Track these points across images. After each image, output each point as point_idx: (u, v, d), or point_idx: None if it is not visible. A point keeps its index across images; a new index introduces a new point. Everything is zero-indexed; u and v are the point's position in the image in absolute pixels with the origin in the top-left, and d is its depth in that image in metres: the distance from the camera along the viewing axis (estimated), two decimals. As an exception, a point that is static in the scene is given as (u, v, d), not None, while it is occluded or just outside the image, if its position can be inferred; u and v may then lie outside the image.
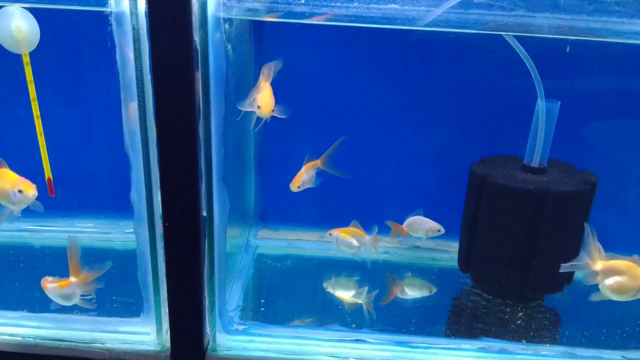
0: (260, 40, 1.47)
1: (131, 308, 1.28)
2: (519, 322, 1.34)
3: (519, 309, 1.38)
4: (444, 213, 1.53)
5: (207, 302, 1.17)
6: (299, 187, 1.34)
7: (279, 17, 1.11)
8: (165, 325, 1.20)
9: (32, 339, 1.24)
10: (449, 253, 1.58)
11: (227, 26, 1.04)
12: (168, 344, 1.20)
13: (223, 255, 1.15)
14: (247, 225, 1.64)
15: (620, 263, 1.09)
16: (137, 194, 1.09)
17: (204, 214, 1.09)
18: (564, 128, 1.36)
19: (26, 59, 1.04)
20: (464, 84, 1.46)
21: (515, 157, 1.41)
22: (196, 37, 0.94)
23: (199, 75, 0.98)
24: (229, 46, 1.01)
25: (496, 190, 1.31)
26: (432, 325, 1.34)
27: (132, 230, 1.64)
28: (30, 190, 1.05)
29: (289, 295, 1.43)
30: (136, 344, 1.22)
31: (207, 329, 1.19)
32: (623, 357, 1.22)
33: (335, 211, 1.59)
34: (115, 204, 1.62)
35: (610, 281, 1.10)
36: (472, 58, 1.42)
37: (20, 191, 1.05)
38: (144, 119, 1.03)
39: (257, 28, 1.47)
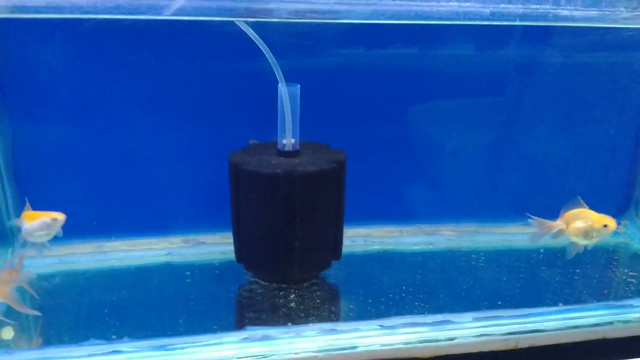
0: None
1: None
2: (291, 304, 1.36)
3: (292, 291, 1.40)
4: (222, 205, 1.54)
5: None
6: None
7: None
8: None
9: None
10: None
11: None
12: None
13: None
14: (7, 245, 1.50)
15: (575, 211, 1.30)
16: None
17: None
18: (317, 108, 1.41)
19: None
20: (208, 75, 1.45)
21: (275, 142, 1.43)
22: None
23: None
24: None
25: (249, 177, 1.31)
26: (203, 323, 1.30)
27: None
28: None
29: (49, 314, 1.32)
30: None
31: None
32: (380, 325, 1.27)
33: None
34: None
35: (579, 224, 1.28)
36: (210, 49, 1.41)
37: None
38: None
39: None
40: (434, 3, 1.05)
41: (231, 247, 1.55)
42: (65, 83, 1.44)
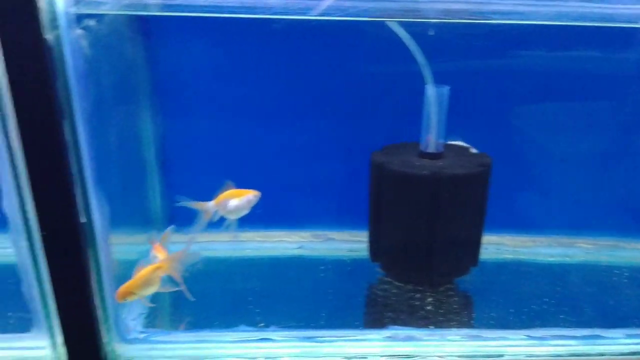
0: (149, 36, 1.44)
1: (21, 323, 1.23)
2: (428, 307, 1.35)
3: (429, 294, 1.39)
4: (352, 204, 1.56)
5: (100, 312, 1.13)
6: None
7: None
8: (60, 338, 1.14)
9: None
10: (363, 243, 1.58)
11: (92, 23, 1.01)
12: (64, 357, 1.15)
13: (110, 262, 1.11)
14: (152, 230, 1.59)
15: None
16: (10, 203, 1.04)
17: (83, 220, 1.05)
18: (461, 110, 1.39)
19: None
20: (353, 75, 1.47)
21: (416, 143, 1.43)
22: (49, 35, 0.90)
23: (56, 75, 0.93)
24: (86, 43, 0.97)
25: (394, 177, 1.32)
26: (342, 318, 1.33)
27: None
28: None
29: (197, 299, 1.40)
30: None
31: (104, 339, 1.15)
32: (527, 335, 1.23)
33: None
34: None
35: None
36: (359, 47, 1.42)
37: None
38: (4, 123, 0.98)
39: (144, 23, 1.43)
40: (619, 5, 1.00)
41: (359, 245, 1.58)
42: (215, 81, 1.51)
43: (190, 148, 1.58)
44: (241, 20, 1.30)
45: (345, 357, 1.18)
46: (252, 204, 1.23)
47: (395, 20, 1.25)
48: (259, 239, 1.63)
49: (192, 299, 1.17)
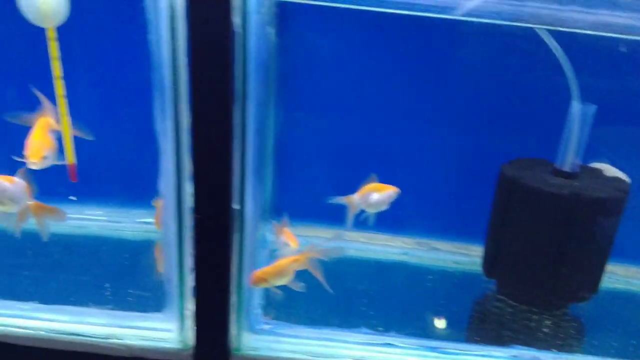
0: (285, 25, 1.43)
1: (148, 302, 1.24)
2: (545, 330, 1.32)
3: (545, 316, 1.36)
4: (460, 215, 1.53)
5: (234, 299, 1.13)
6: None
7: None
8: (189, 322, 1.14)
9: (44, 332, 1.18)
10: (469, 256, 1.56)
11: (270, 8, 1.00)
12: (191, 341, 1.15)
13: (252, 250, 1.11)
14: (263, 220, 1.60)
15: None
16: (166, 183, 1.04)
17: (236, 207, 1.05)
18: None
19: (51, 34, 0.98)
20: (490, 81, 1.43)
21: (543, 160, 1.39)
22: (236, 19, 0.90)
23: (236, 59, 0.93)
24: (271, 29, 0.96)
25: (528, 193, 1.29)
26: (459, 330, 1.31)
27: (144, 220, 1.61)
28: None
29: (309, 294, 1.39)
30: (157, 341, 1.16)
31: (233, 327, 1.15)
32: (654, 368, 1.20)
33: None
34: (126, 192, 1.59)
35: None
36: (503, 54, 1.39)
37: None
38: (177, 103, 0.98)
39: (282, 11, 1.42)
40: None
41: (465, 258, 1.55)
42: (341, 76, 1.50)
43: (304, 142, 1.57)
44: (375, 15, 1.28)
45: (463, 372, 1.17)
46: (391, 200, 1.22)
47: (545, 28, 1.22)
48: (363, 240, 1.62)
49: (332, 292, 1.15)
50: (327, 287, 1.14)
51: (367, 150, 1.56)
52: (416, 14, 1.19)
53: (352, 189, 1.51)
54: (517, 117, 1.45)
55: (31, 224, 1.56)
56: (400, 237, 1.63)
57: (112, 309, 1.23)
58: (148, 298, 1.26)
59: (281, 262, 1.12)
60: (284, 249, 1.22)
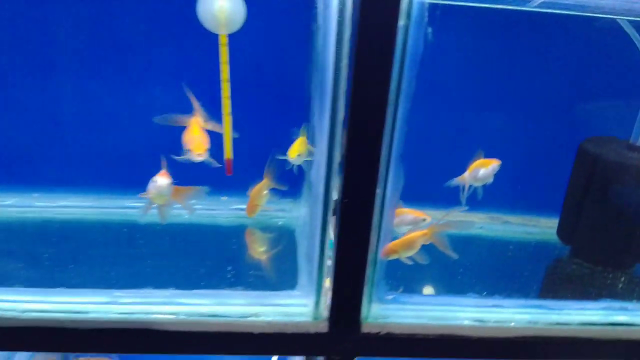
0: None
1: (277, 281, 1.35)
2: (620, 285, 1.50)
3: (619, 274, 1.54)
4: (529, 189, 1.68)
5: (369, 273, 1.25)
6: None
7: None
8: (324, 297, 1.27)
9: (184, 316, 1.28)
10: (539, 227, 1.72)
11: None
12: (325, 313, 1.27)
13: (388, 230, 1.23)
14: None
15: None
16: (317, 174, 1.16)
17: (379, 191, 1.17)
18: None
19: (223, 40, 1.07)
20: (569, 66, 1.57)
21: (614, 137, 1.55)
22: (401, 21, 1.01)
23: (395, 59, 1.04)
24: (430, 30, 1.07)
25: (609, 167, 1.45)
26: (549, 290, 1.47)
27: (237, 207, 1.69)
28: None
29: (412, 266, 1.51)
30: (294, 316, 1.29)
31: (365, 298, 1.28)
32: None
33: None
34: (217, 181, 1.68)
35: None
36: (582, 45, 1.53)
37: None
38: (335, 101, 1.09)
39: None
40: None
41: (535, 229, 1.72)
42: (461, 71, 1.59)
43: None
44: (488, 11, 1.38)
45: (569, 324, 1.32)
46: (494, 172, 1.35)
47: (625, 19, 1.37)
48: (438, 216, 1.75)
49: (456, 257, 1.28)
50: (454, 256, 1.27)
51: (463, 134, 1.67)
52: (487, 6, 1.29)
53: (449, 171, 1.65)
54: (596, 98, 1.60)
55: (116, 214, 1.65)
56: (475, 213, 1.78)
57: (245, 290, 1.34)
58: (274, 277, 1.37)
59: (411, 235, 1.25)
60: (415, 225, 1.34)
